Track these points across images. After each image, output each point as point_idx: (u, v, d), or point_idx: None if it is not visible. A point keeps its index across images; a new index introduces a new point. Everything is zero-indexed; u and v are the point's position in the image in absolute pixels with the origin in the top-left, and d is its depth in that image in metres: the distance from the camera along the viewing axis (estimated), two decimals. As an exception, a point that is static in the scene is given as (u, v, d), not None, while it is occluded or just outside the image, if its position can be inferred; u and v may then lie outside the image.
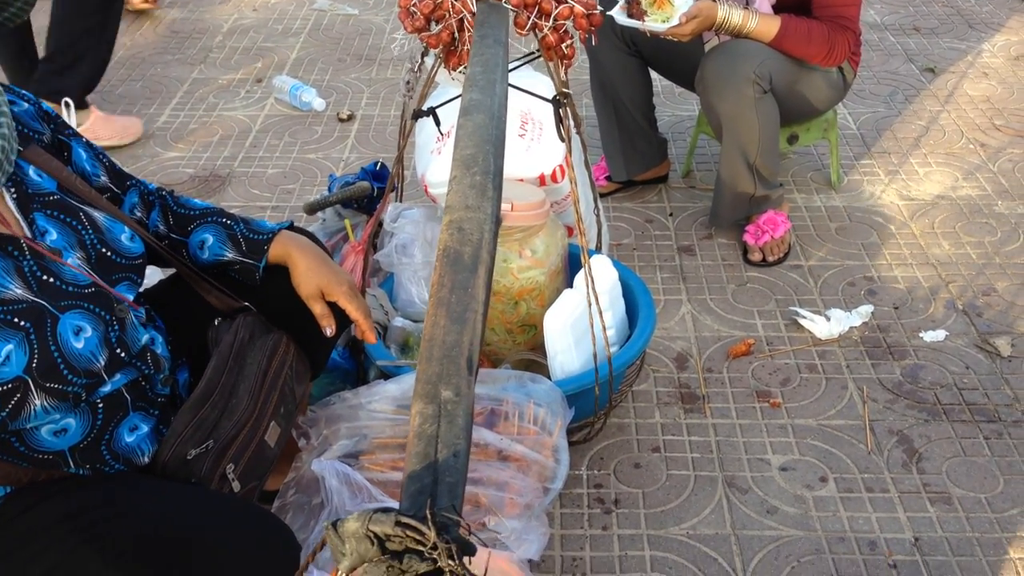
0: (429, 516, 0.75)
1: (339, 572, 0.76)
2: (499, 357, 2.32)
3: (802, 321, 2.66)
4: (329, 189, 2.68)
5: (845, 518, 2.09)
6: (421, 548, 0.74)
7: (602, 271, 2.26)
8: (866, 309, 2.70)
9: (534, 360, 2.27)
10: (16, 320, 1.32)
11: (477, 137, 1.33)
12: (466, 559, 0.78)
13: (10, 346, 1.30)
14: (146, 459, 1.50)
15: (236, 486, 1.58)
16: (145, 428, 1.50)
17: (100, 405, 1.43)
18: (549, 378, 2.12)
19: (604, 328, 2.06)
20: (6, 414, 1.30)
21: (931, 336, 2.61)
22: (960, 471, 2.20)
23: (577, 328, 2.16)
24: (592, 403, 2.16)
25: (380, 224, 2.49)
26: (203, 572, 1.33)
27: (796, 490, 2.17)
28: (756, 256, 2.95)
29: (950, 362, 2.53)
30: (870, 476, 2.20)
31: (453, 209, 1.20)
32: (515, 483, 1.80)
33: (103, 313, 1.43)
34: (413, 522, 0.74)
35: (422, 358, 0.99)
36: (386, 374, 2.14)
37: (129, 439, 1.48)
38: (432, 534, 0.74)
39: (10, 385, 1.30)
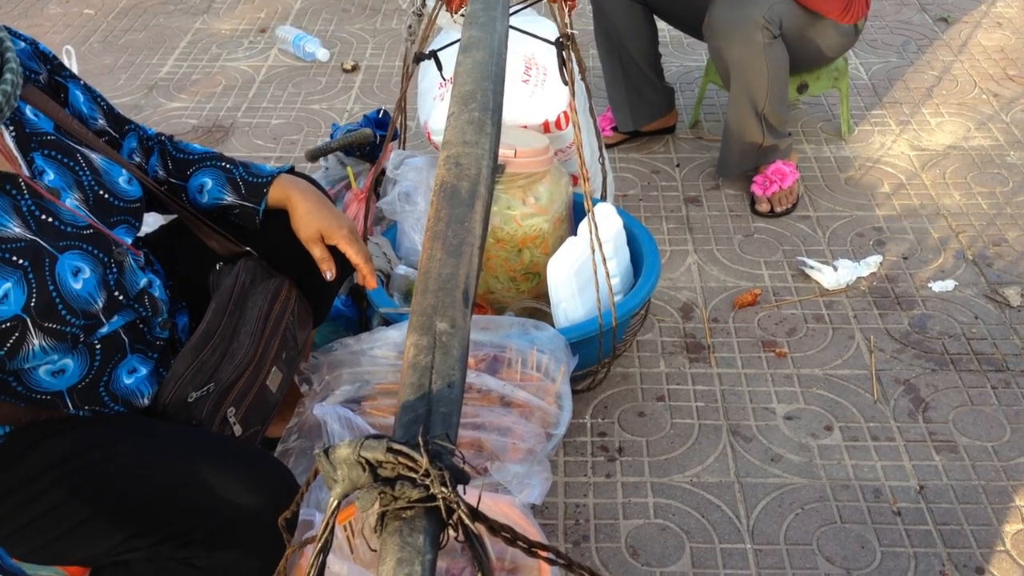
0: (422, 443, 0.74)
1: (331, 499, 0.75)
2: (502, 305, 2.30)
3: (809, 271, 2.64)
4: (332, 138, 2.66)
5: (850, 466, 2.08)
6: (413, 475, 0.73)
7: (606, 219, 2.24)
8: (875, 259, 2.67)
9: (538, 308, 2.26)
10: (14, 258, 1.31)
11: (476, 74, 1.31)
12: (460, 488, 0.77)
13: (8, 284, 1.29)
14: (146, 401, 1.49)
15: (238, 430, 1.57)
16: (144, 370, 1.50)
17: (98, 346, 1.42)
18: (553, 326, 2.11)
19: (608, 276, 2.05)
20: (4, 353, 1.30)
21: (940, 286, 2.59)
22: (967, 420, 2.19)
23: (581, 276, 2.14)
24: (596, 351, 2.14)
25: (383, 172, 2.47)
26: (203, 511, 1.33)
27: (801, 439, 2.16)
28: (764, 207, 2.92)
29: (959, 312, 2.51)
30: (876, 425, 2.18)
31: (450, 144, 1.18)
32: (518, 428, 1.79)
33: (101, 255, 1.42)
34: (405, 448, 0.73)
35: (417, 291, 0.97)
36: (389, 321, 2.13)
37: (128, 381, 1.47)
38: (424, 461, 0.73)
39: (8, 324, 1.29)
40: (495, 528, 0.81)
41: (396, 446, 0.73)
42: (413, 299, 0.96)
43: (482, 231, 1.07)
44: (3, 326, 1.29)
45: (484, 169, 1.15)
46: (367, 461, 0.73)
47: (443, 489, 0.73)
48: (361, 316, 2.28)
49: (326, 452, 0.75)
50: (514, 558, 1.64)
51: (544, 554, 0.91)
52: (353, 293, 2.30)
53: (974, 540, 1.90)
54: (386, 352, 1.89)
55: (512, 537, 0.84)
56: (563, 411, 1.88)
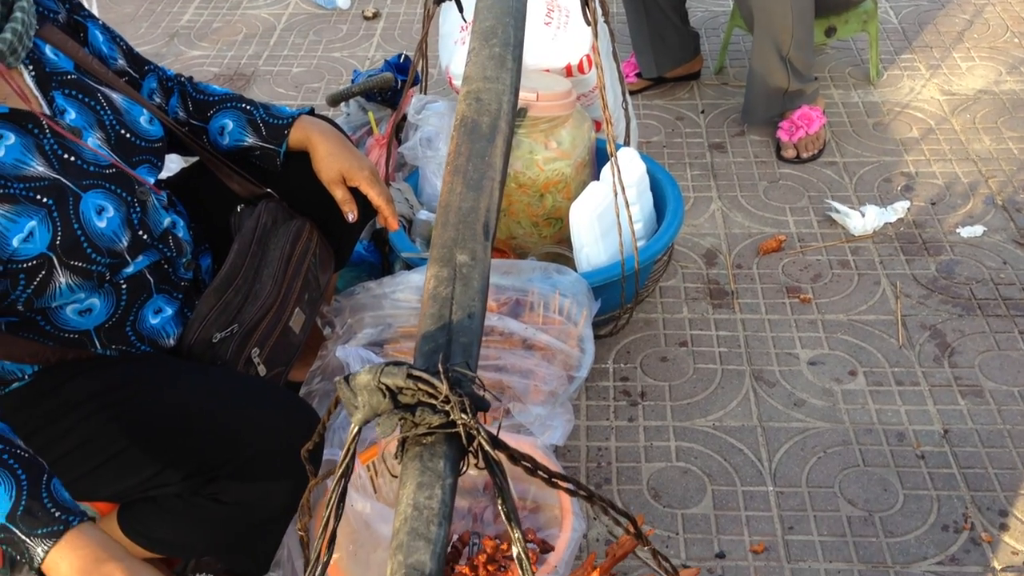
0: (441, 370, 0.74)
1: (352, 425, 0.76)
2: (524, 251, 2.30)
3: (835, 216, 2.61)
4: (353, 83, 2.64)
5: (874, 411, 2.08)
6: (433, 401, 0.74)
7: (629, 163, 2.22)
8: (902, 205, 2.63)
9: (560, 253, 2.25)
10: (39, 197, 1.31)
11: (497, 9, 1.29)
12: (480, 415, 0.78)
13: (33, 222, 1.30)
14: (171, 341, 1.51)
15: (262, 370, 1.59)
16: (169, 311, 1.51)
17: (124, 286, 1.43)
18: (575, 271, 2.10)
19: (631, 220, 2.03)
20: (32, 291, 1.31)
21: (968, 231, 2.55)
22: (993, 364, 2.17)
23: (604, 220, 2.12)
24: (618, 296, 2.14)
25: (404, 117, 2.46)
26: (230, 447, 1.34)
27: (824, 383, 2.15)
28: (790, 153, 2.88)
29: (987, 257, 2.47)
30: (900, 370, 2.17)
31: (471, 80, 1.17)
32: (540, 371, 1.79)
33: (124, 194, 1.43)
34: (425, 375, 0.73)
35: (437, 224, 0.97)
36: (411, 266, 2.13)
37: (154, 321, 1.49)
38: (444, 387, 0.73)
39: (35, 261, 1.30)
40: (516, 456, 0.81)
41: (416, 372, 0.73)
42: (433, 232, 0.96)
43: (503, 166, 1.06)
44: (29, 264, 1.30)
45: (505, 104, 1.14)
46: (387, 387, 0.74)
47: (463, 415, 0.73)
48: (383, 261, 2.28)
49: (347, 379, 0.75)
50: (536, 498, 1.66)
51: (565, 485, 0.92)
52: (375, 238, 2.30)
53: (998, 483, 1.89)
54: (408, 295, 1.90)
55: (533, 466, 0.84)
56: (585, 354, 1.89)
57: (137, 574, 1.08)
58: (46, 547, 1.07)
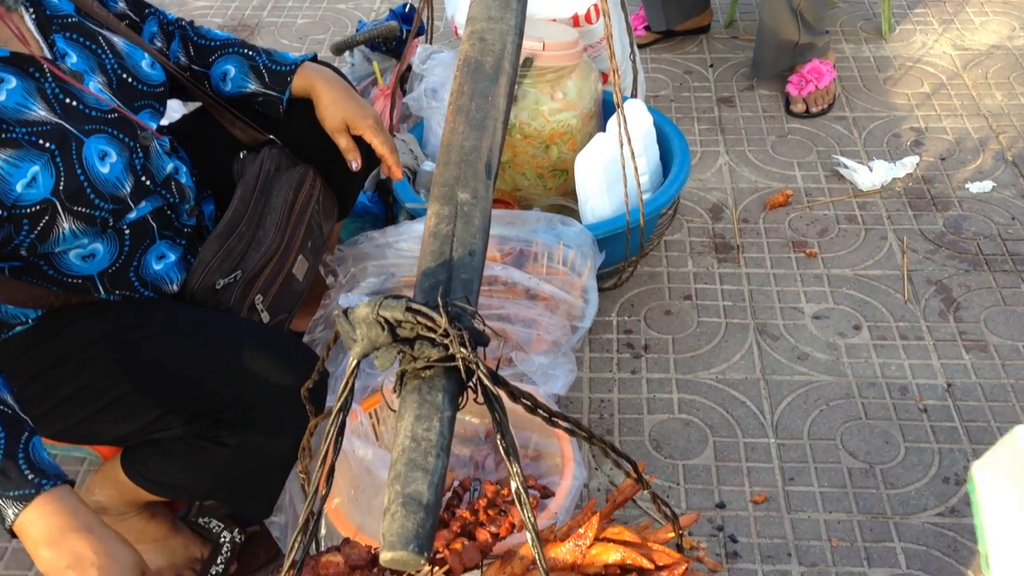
0: (441, 304, 0.74)
1: (350, 359, 0.75)
2: (529, 203, 2.29)
3: (843, 171, 2.59)
4: (358, 33, 2.61)
5: (877, 364, 2.07)
6: (432, 335, 0.73)
7: (636, 115, 2.20)
8: (911, 160, 2.61)
9: (565, 205, 2.24)
10: (41, 142, 1.30)
11: (502, -50, 1.27)
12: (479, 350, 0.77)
13: (36, 167, 1.29)
14: (175, 287, 1.51)
15: (265, 317, 1.59)
16: (172, 257, 1.51)
17: (127, 232, 1.43)
18: (580, 223, 2.09)
19: (637, 172, 2.02)
20: (35, 236, 1.31)
21: (977, 187, 2.53)
22: (999, 320, 2.16)
23: (609, 173, 2.11)
24: (623, 249, 2.13)
25: (409, 67, 2.43)
26: (233, 391, 1.34)
27: (828, 337, 2.15)
28: (799, 107, 2.85)
29: (995, 213, 2.46)
30: (905, 324, 2.17)
31: (475, 20, 1.15)
32: (543, 320, 1.79)
33: (127, 139, 1.42)
34: (424, 308, 0.73)
35: (439, 163, 0.96)
36: (415, 217, 2.12)
37: (157, 267, 1.48)
38: (444, 321, 0.73)
39: (38, 207, 1.29)
40: (515, 393, 0.81)
41: (415, 306, 0.73)
42: (435, 170, 0.95)
43: (506, 106, 1.05)
44: (33, 209, 1.29)
45: (509, 44, 1.13)
46: (386, 320, 0.73)
47: (462, 349, 0.73)
48: (387, 212, 2.28)
49: (345, 313, 0.75)
50: (537, 446, 1.66)
51: (565, 425, 0.92)
52: (379, 189, 2.29)
53: (1000, 437, 1.89)
54: (411, 245, 1.89)
55: (533, 404, 0.84)
56: (588, 305, 1.88)
57: (105, 544, 1.06)
58: (16, 510, 1.05)
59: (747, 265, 2.36)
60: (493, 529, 1.29)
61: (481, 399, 0.75)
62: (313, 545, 1.43)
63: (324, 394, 1.46)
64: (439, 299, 0.74)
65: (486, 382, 0.73)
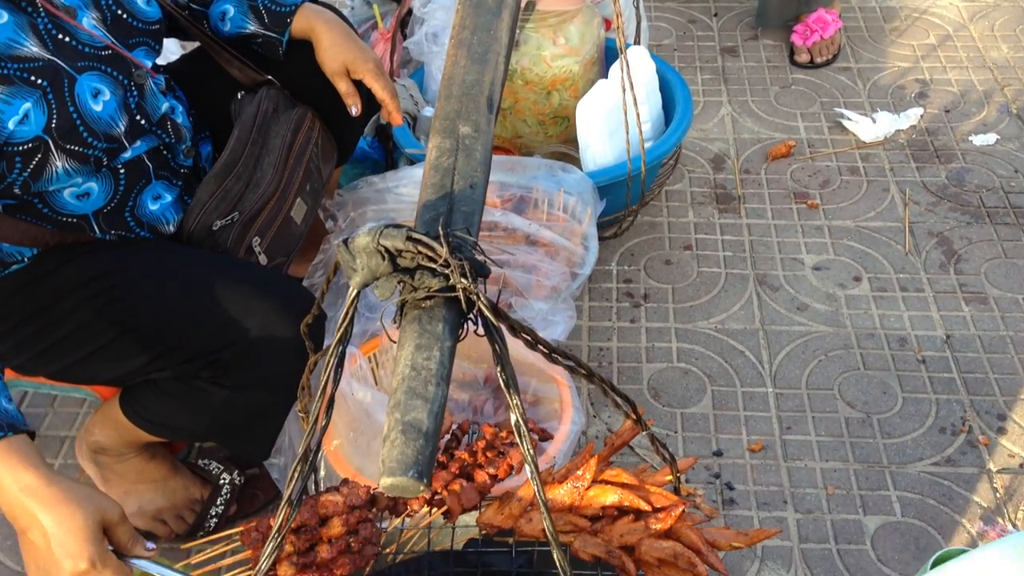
0: (442, 234, 0.73)
1: (350, 289, 0.75)
2: (530, 150, 2.27)
3: (847, 123, 2.57)
4: (357, -23, 2.57)
5: (877, 316, 2.07)
6: (433, 265, 0.72)
7: (639, 62, 2.17)
8: (915, 112, 2.59)
9: (566, 153, 2.22)
10: (32, 78, 1.28)
11: None
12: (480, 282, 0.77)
13: (28, 104, 1.27)
14: (171, 228, 1.49)
15: (263, 259, 1.57)
16: (168, 197, 1.49)
17: (122, 171, 1.41)
18: (581, 170, 2.07)
19: (639, 120, 2.00)
20: (28, 174, 1.29)
21: (981, 140, 2.51)
22: (999, 272, 2.15)
23: (611, 120, 2.09)
24: (624, 197, 2.11)
25: (410, 11, 2.40)
26: (231, 331, 1.34)
27: (828, 288, 2.14)
28: (803, 57, 2.82)
29: (998, 166, 2.44)
30: (905, 276, 2.16)
31: (478, -46, 1.13)
32: (543, 267, 1.78)
33: (121, 77, 1.39)
34: (425, 238, 0.72)
35: (440, 96, 0.95)
36: (415, 162, 2.10)
37: (153, 207, 1.47)
38: (444, 250, 0.72)
39: (31, 144, 1.28)
40: (516, 327, 0.80)
41: (416, 235, 0.72)
42: (436, 104, 0.93)
43: (508, 40, 1.03)
44: (25, 147, 1.27)
45: (512, -22, 1.10)
46: (386, 249, 0.72)
47: (463, 280, 0.72)
48: (387, 158, 2.26)
49: (345, 242, 0.74)
50: (536, 391, 1.66)
51: (565, 362, 0.91)
52: (379, 135, 2.27)
53: (998, 388, 1.90)
54: (411, 190, 1.88)
55: (533, 339, 0.84)
56: (588, 252, 1.87)
57: (59, 505, 1.02)
58: None
59: (748, 216, 2.35)
60: (491, 471, 1.30)
61: (481, 331, 0.75)
62: (313, 486, 1.43)
63: (323, 332, 1.45)
64: (440, 229, 0.73)
65: (486, 313, 0.72)
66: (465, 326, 0.76)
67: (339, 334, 0.75)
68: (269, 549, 0.77)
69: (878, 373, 1.95)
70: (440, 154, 0.87)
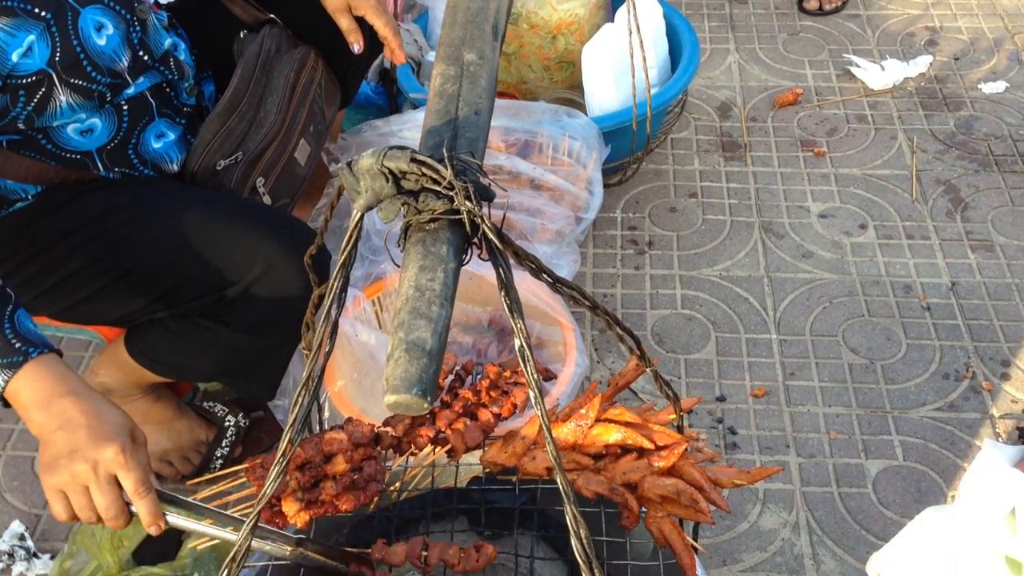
0: (446, 156, 0.72)
1: (354, 211, 0.74)
2: (535, 96, 2.25)
3: (855, 71, 2.54)
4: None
5: (882, 263, 2.06)
6: (437, 188, 0.72)
7: (646, 7, 2.14)
8: (924, 59, 2.56)
9: (571, 99, 2.20)
10: (36, 10, 1.27)
11: None
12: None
13: (32, 36, 1.25)
14: (175, 167, 1.49)
15: (267, 200, 1.57)
16: (172, 136, 1.48)
17: (125, 108, 1.40)
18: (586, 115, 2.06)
19: (645, 64, 1.97)
20: (32, 108, 1.28)
21: (990, 88, 2.49)
22: (1006, 220, 2.14)
23: (617, 64, 2.07)
24: (629, 144, 2.10)
25: (413, -46, 2.37)
26: (235, 269, 1.34)
27: (834, 236, 2.14)
28: (812, 4, 2.79)
29: (1007, 114, 2.42)
30: (912, 224, 2.15)
31: None
32: (547, 210, 1.78)
33: (124, 12, 1.38)
34: (429, 160, 0.71)
35: (445, 24, 0.93)
36: (418, 107, 2.09)
37: (156, 145, 1.46)
38: (449, 173, 0.71)
39: (34, 78, 1.26)
40: (520, 254, 0.80)
41: (420, 157, 0.71)
42: (440, 32, 0.92)
43: (513, -31, 1.02)
44: (29, 80, 1.26)
45: (517, -92, 1.08)
46: (390, 171, 0.72)
47: (467, 203, 0.72)
48: (391, 103, 2.24)
49: (349, 165, 0.74)
50: (540, 334, 1.66)
51: (569, 292, 0.91)
52: (383, 79, 2.25)
53: (1002, 335, 1.89)
54: (415, 134, 1.86)
55: (537, 268, 0.83)
56: (593, 196, 1.86)
57: (94, 406, 1.06)
58: (6, 376, 1.06)
59: (754, 164, 2.34)
60: (495, 410, 1.30)
61: (486, 255, 0.74)
62: (317, 426, 1.44)
63: (327, 268, 1.45)
64: (444, 151, 0.72)
65: (491, 236, 0.72)
66: (469, 250, 0.75)
67: (343, 257, 0.74)
68: (275, 472, 0.78)
69: (882, 320, 1.94)
70: (444, 81, 0.86)
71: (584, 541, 0.78)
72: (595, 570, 0.78)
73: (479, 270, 1.65)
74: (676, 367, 1.89)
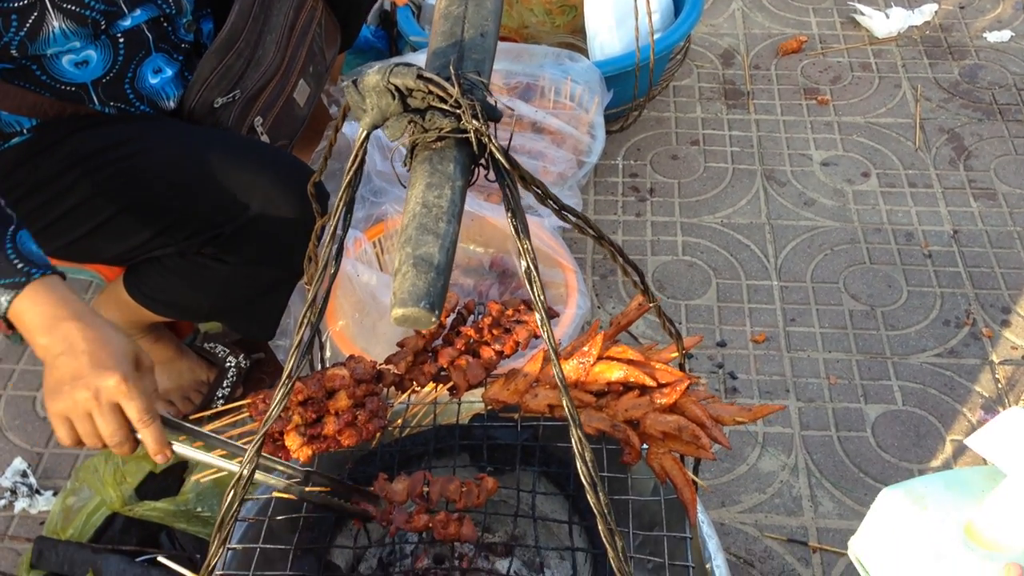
0: (453, 74, 0.71)
1: (360, 129, 0.73)
2: (537, 41, 2.22)
3: (860, 18, 2.52)
4: None
5: (884, 211, 2.06)
6: (444, 106, 0.71)
7: (650, -51, 2.11)
8: (929, 8, 2.53)
9: (573, 44, 2.18)
10: None
11: None
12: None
13: None
14: (171, 103, 1.47)
15: (264, 140, 1.55)
16: (169, 72, 1.46)
17: (121, 40, 1.38)
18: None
19: (648, 7, 1.95)
20: (24, 34, 1.26)
21: (995, 36, 2.46)
22: (1009, 169, 2.13)
23: (619, 8, 2.04)
24: (631, 90, 2.08)
25: None
26: (233, 206, 1.33)
27: (836, 184, 2.13)
28: (816, -48, 2.75)
29: (1012, 63, 2.40)
30: (914, 172, 2.14)
31: None
32: (549, 153, 1.76)
33: (119, -59, 1.35)
34: (436, 77, 0.70)
35: (450, -52, 0.92)
36: (418, 50, 2.06)
37: (153, 81, 1.44)
38: (455, 91, 0.70)
39: (26, 1, 1.24)
40: (527, 178, 0.79)
41: (426, 74, 0.70)
42: (445, -45, 0.90)
43: None
44: (21, 3, 1.24)
45: None
46: (396, 88, 0.71)
47: (474, 121, 0.71)
48: (391, 47, 2.22)
49: (355, 82, 0.73)
50: (542, 276, 1.66)
51: (574, 220, 0.90)
52: (383, 22, 2.22)
53: (1003, 282, 1.89)
54: (416, 76, 1.84)
55: (543, 193, 0.83)
56: (595, 140, 1.85)
57: (96, 331, 1.04)
58: (8, 297, 1.05)
59: (757, 111, 2.32)
60: (497, 347, 1.30)
61: (492, 176, 0.73)
62: (319, 364, 1.44)
63: (327, 201, 1.44)
64: (451, 69, 0.71)
65: (498, 155, 0.71)
66: (476, 171, 0.75)
67: (348, 177, 0.74)
68: (280, 394, 0.78)
69: (884, 267, 1.94)
70: (450, 3, 0.84)
71: (589, 464, 0.79)
72: (600, 493, 0.78)
73: (481, 211, 1.64)
74: (677, 313, 1.89)
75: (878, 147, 2.20)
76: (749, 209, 2.09)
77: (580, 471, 0.79)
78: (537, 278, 0.73)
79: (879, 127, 2.25)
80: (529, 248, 0.73)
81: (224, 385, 1.68)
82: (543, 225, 1.64)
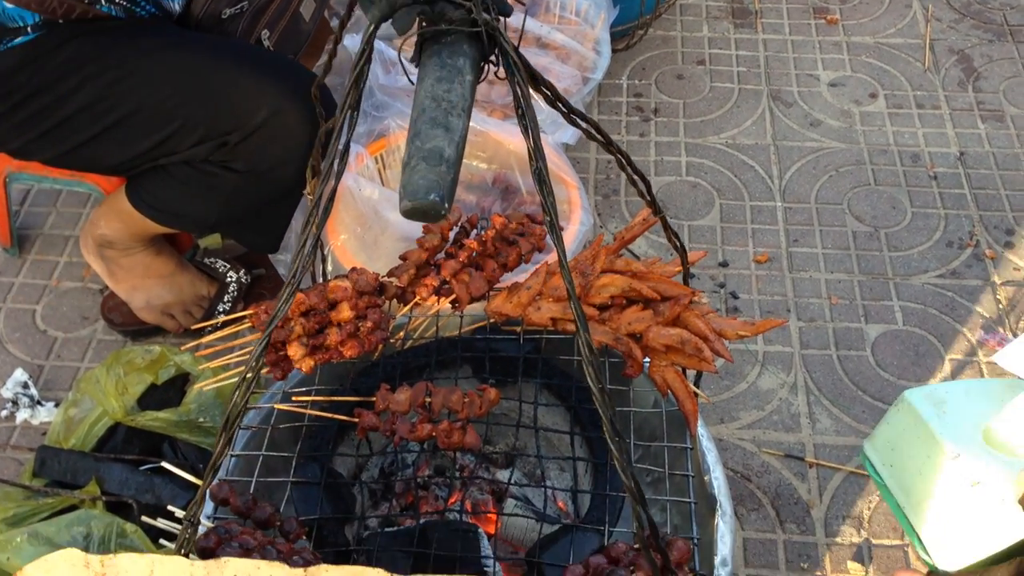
0: (463, -34, 0.69)
1: (368, 22, 0.72)
2: (542, -46, 2.17)
3: (871, -64, 2.46)
4: None
5: (891, 132, 2.04)
6: (454, -2, 0.69)
7: None
8: (943, -75, 2.47)
9: (579, -43, 2.13)
10: None
11: None
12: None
13: None
14: (178, 7, 1.43)
15: (269, 52, 1.53)
16: (175, -24, 1.43)
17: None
18: (594, -26, 1.99)
19: (657, -81, 1.91)
20: None
21: (1010, -44, 2.41)
22: (1018, 91, 2.11)
23: (627, -80, 1.99)
24: (637, 7, 2.04)
25: None
26: (239, 113, 1.31)
27: (843, 105, 2.10)
28: None
29: (1026, -17, 2.36)
30: (923, 93, 2.11)
31: None
32: (554, 69, 1.74)
33: None
34: (446, -34, 0.68)
35: None
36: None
37: (158, -17, 1.41)
38: (466, -19, 0.68)
39: None
40: (537, 78, 0.77)
41: (436, -37, 0.68)
42: None
43: None
44: None
45: None
46: (405, -22, 0.69)
47: (485, 15, 0.69)
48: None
49: (362, -27, 0.71)
50: (545, 194, 1.64)
51: (584, 125, 0.89)
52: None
53: (1008, 204, 1.88)
54: (419, -12, 1.80)
55: (553, 96, 0.81)
56: (601, 57, 1.82)
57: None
58: None
59: (764, 31, 2.28)
60: (500, 260, 1.29)
61: (503, 71, 0.72)
62: (320, 277, 1.44)
63: (332, 106, 1.42)
64: (461, -35, 0.69)
65: (508, 50, 0.70)
66: (486, 68, 0.73)
67: (355, 73, 0.72)
68: (284, 295, 0.77)
69: (888, 188, 1.93)
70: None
71: (595, 369, 0.79)
72: (606, 396, 0.79)
73: (484, 127, 1.62)
74: (680, 233, 1.88)
75: (887, 68, 2.17)
76: (754, 130, 2.06)
77: (588, 376, 0.79)
78: (547, 179, 0.72)
79: (888, 47, 2.22)
80: (539, 146, 0.72)
81: (225, 300, 1.67)
82: (547, 142, 1.62)
